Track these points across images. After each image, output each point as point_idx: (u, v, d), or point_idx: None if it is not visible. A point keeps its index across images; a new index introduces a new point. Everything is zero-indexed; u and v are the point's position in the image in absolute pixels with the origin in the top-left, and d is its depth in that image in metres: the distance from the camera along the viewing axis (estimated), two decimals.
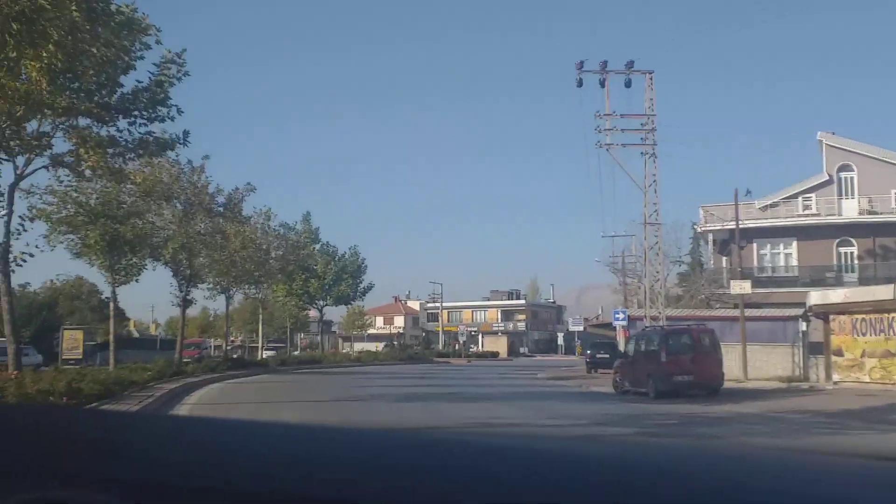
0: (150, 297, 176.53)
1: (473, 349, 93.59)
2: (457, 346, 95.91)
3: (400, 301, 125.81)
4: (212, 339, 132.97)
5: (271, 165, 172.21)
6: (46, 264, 60.81)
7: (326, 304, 58.42)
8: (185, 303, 33.91)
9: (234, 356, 50.41)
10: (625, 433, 14.41)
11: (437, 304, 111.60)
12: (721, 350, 25.29)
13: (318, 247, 57.41)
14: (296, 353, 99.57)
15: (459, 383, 32.23)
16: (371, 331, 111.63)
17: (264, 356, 54.38)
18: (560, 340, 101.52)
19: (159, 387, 24.02)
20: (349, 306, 64.03)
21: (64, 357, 59.40)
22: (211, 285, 42.03)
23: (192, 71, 19.03)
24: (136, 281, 29.39)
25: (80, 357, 59.49)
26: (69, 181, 24.35)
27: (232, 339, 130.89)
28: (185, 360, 36.97)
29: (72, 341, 60.59)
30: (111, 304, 28.53)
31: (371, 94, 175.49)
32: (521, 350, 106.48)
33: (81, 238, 25.81)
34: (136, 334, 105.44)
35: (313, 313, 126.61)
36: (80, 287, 79.77)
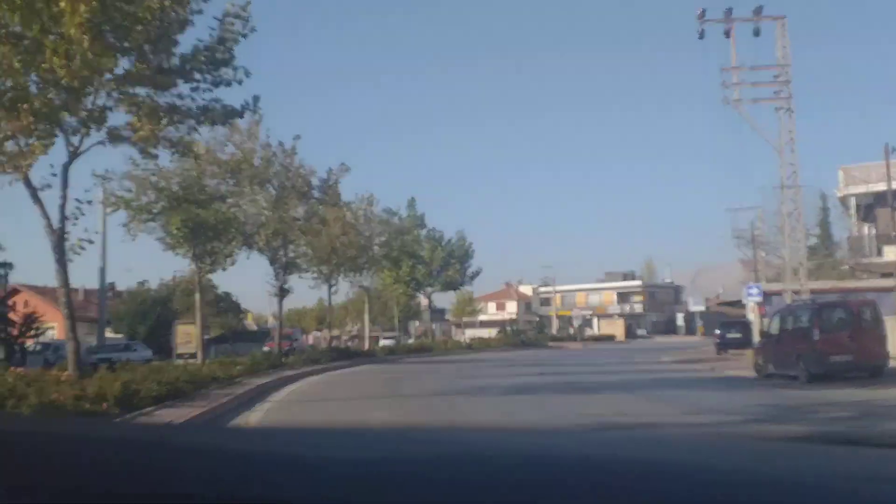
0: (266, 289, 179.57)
1: (589, 333, 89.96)
2: (571, 331, 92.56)
3: (511, 286, 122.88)
4: (327, 331, 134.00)
5: (368, 148, 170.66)
6: (156, 260, 60.59)
7: (434, 291, 56.15)
8: (282, 292, 31.96)
9: (342, 347, 48.65)
10: (795, 431, 11.16)
11: (550, 289, 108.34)
12: (884, 325, 21.41)
13: (423, 232, 55.20)
14: (410, 341, 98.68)
15: (576, 370, 29.20)
16: (483, 317, 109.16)
17: (379, 345, 52.64)
18: (680, 321, 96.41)
19: (247, 382, 21.98)
20: (457, 292, 61.66)
21: (178, 352, 59.50)
22: (315, 274, 40.32)
23: (260, 28, 16.72)
24: (224, 269, 27.59)
25: (194, 352, 59.39)
26: (144, 165, 22.65)
27: (348, 329, 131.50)
28: (285, 352, 35.27)
29: (185, 336, 60.21)
30: (196, 297, 26.76)
31: (467, 50, 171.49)
32: (639, 332, 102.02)
33: (163, 226, 24.00)
34: (254, 327, 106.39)
35: (424, 300, 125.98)
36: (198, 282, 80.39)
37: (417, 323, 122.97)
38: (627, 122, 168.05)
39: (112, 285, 73.62)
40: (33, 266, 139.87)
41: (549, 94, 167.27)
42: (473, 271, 57.28)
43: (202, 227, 23.74)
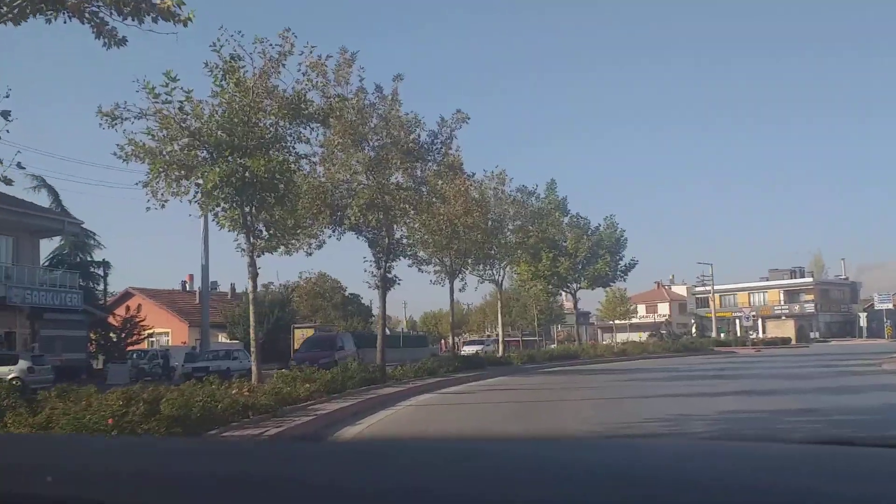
0: (404, 292, 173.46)
1: (753, 336, 78.52)
2: (738, 333, 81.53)
3: (663, 286, 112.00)
4: (464, 336, 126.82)
5: (510, 124, 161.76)
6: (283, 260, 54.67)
7: (580, 287, 47.42)
8: (385, 282, 24.22)
9: (470, 354, 40.81)
10: None
11: (708, 288, 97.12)
12: None
13: (566, 220, 46.69)
14: (552, 346, 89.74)
15: (785, 387, 20.24)
16: (632, 320, 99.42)
17: (511, 353, 44.60)
18: (862, 321, 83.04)
19: (309, 410, 14.49)
20: (607, 290, 52.76)
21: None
22: (436, 266, 32.80)
23: None
24: (286, 250, 20.08)
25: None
26: (166, 94, 15.46)
27: (487, 334, 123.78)
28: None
29: (302, 341, 54.45)
30: (249, 287, 19.12)
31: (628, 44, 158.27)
32: (812, 335, 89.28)
33: (199, 183, 16.68)
34: (387, 331, 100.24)
35: (567, 303, 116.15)
36: (323, 284, 74.88)
37: (559, 327, 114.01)
38: (793, 103, 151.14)
39: (232, 287, 69.02)
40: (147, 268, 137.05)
41: (712, 83, 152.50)
42: (626, 264, 48.11)
43: (251, 183, 16.29)
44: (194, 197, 16.80)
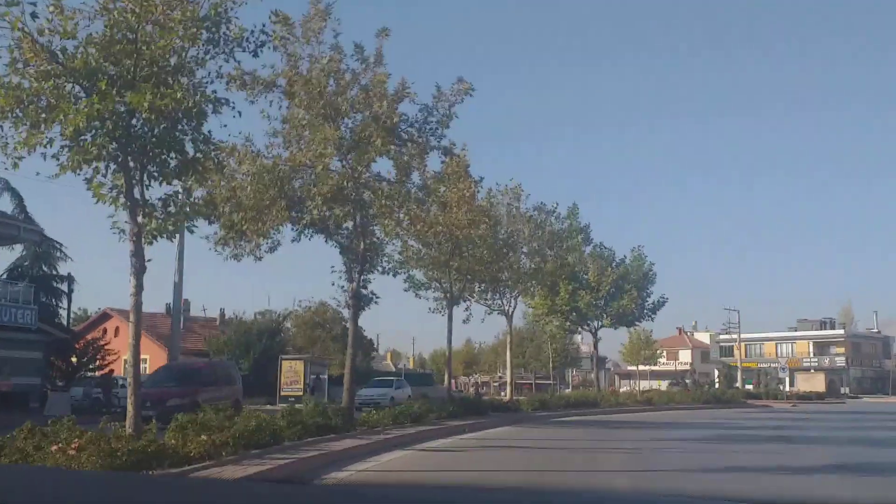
0: (413, 327, 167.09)
1: (780, 388, 71.79)
2: (766, 385, 74.91)
3: (685, 333, 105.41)
4: (475, 377, 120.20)
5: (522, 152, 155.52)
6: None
7: (602, 325, 41.44)
8: (357, 300, 18.43)
9: (469, 396, 34.87)
10: None
11: (733, 336, 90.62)
12: None
13: (588, 249, 40.92)
14: (566, 391, 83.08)
15: (880, 460, 14.35)
16: (656, 366, 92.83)
17: (520, 396, 38.50)
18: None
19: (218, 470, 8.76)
20: (631, 331, 46.61)
21: (283, 393, 47.44)
22: (437, 293, 27.23)
23: None
24: (235, 254, 14.51)
25: (301, 393, 47.21)
26: None
27: (499, 375, 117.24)
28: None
29: (292, 374, 48.52)
30: (134, 286, 13.30)
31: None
32: (843, 390, 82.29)
33: (66, 134, 11.04)
34: (392, 367, 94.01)
35: (584, 346, 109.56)
36: (324, 314, 69.14)
37: (574, 371, 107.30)
38: (826, 162, 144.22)
39: (221, 312, 63.36)
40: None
41: (743, 135, 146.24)
42: (654, 302, 42.05)
43: (139, 135, 10.74)
44: (60, 150, 11.20)
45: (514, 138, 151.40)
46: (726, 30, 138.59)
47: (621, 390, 55.42)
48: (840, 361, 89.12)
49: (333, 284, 19.11)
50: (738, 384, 75.45)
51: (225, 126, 14.90)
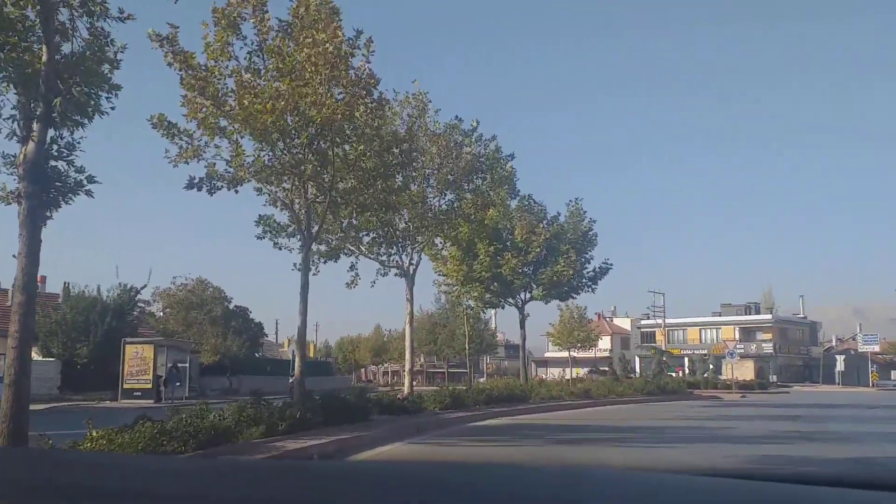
0: (318, 312, 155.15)
1: (705, 376, 64.28)
2: (694, 373, 67.28)
3: (604, 318, 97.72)
4: (384, 366, 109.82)
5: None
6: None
7: (532, 297, 31.85)
8: (40, 180, 8.29)
9: (350, 394, 24.61)
10: None
11: (657, 322, 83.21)
12: None
13: (514, 203, 31.45)
14: (481, 380, 73.47)
15: None
16: (554, 354, 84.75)
17: (424, 390, 28.46)
18: (839, 365, 69.08)
19: None
20: (563, 307, 37.53)
21: (126, 386, 36.42)
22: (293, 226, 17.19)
23: None
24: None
25: (149, 385, 36.29)
26: None
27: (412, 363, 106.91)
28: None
29: (138, 361, 37.44)
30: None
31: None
32: (771, 378, 75.58)
33: None
34: (289, 356, 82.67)
35: (500, 334, 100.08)
36: (202, 292, 57.89)
37: (488, 358, 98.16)
38: (745, 126, 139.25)
39: (65, 287, 51.31)
40: None
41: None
42: (596, 269, 32.64)
43: None
44: None
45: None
46: None
47: (549, 378, 46.10)
48: (767, 348, 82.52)
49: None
50: (684, 372, 68.01)
51: None
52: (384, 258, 22.29)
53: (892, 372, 71.25)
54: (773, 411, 27.55)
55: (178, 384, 37.15)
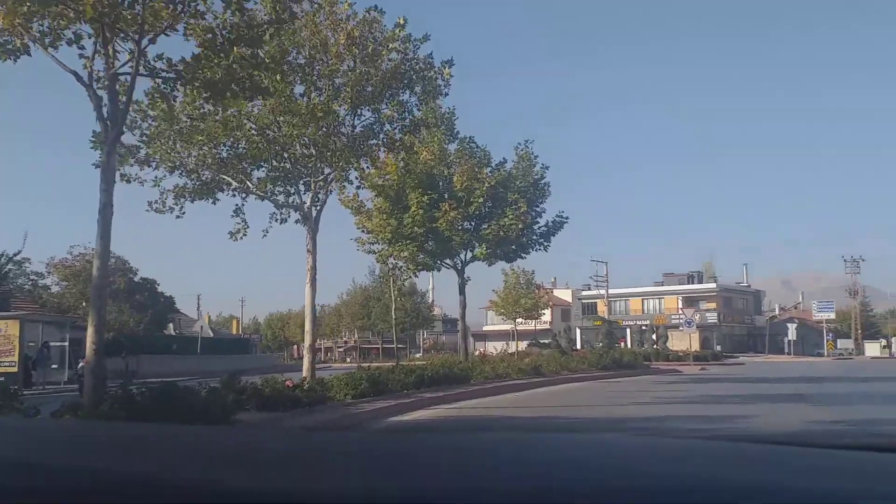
0: (247, 287, 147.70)
1: (655, 347, 60.26)
2: (642, 345, 63.14)
3: (544, 289, 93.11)
4: (318, 342, 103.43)
5: None
6: None
7: (474, 257, 26.07)
8: None
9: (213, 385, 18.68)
10: None
11: (598, 292, 78.99)
12: None
13: (453, 147, 25.85)
14: (418, 355, 67.96)
15: None
16: (494, 326, 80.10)
17: (344, 367, 22.35)
18: (792, 334, 65.55)
19: None
20: (511, 270, 32.04)
21: None
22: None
23: None
24: None
25: (14, 368, 29.89)
26: None
27: (345, 340, 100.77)
28: None
29: (1, 340, 31.02)
30: None
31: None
32: (716, 348, 72.14)
33: None
34: (209, 333, 75.59)
35: (437, 308, 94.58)
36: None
37: (425, 333, 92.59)
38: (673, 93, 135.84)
39: None
40: None
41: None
42: (549, 223, 27.11)
43: None
44: None
45: None
46: None
47: (493, 353, 40.83)
48: (712, 317, 79.04)
49: None
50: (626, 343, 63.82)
51: None
52: (280, 198, 16.45)
53: (839, 341, 68.35)
54: (761, 387, 22.70)
55: (54, 366, 30.91)
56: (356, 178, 17.68)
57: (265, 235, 16.79)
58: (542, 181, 26.77)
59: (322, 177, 15.66)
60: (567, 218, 26.93)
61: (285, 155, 15.37)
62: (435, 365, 23.06)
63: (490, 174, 25.70)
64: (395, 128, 16.01)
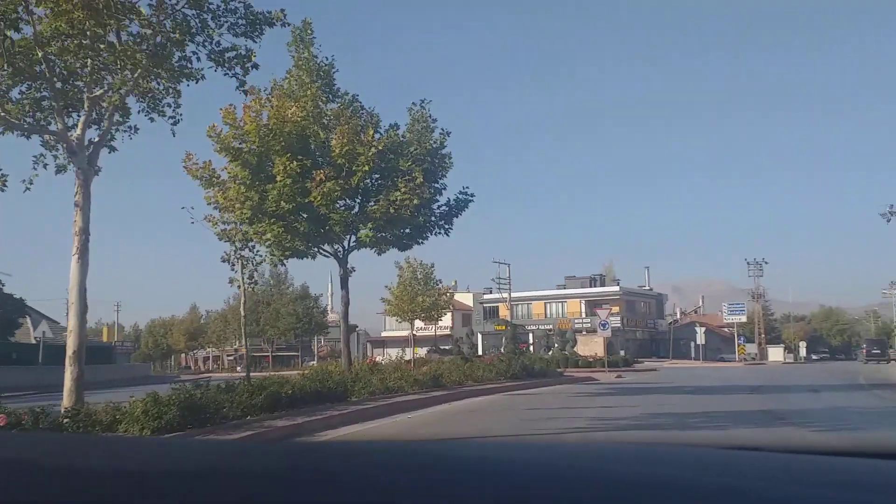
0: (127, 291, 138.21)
1: (564, 353, 56.40)
2: (564, 350, 59.14)
3: (445, 286, 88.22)
4: (206, 350, 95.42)
5: None
6: None
7: (358, 242, 20.56)
8: None
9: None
10: None
11: (501, 296, 74.65)
12: None
13: (333, 106, 20.47)
14: (311, 363, 61.74)
15: None
16: (393, 332, 74.85)
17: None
18: (701, 339, 62.54)
19: None
20: (406, 262, 26.80)
21: None
22: None
23: None
24: None
25: None
26: None
27: (236, 347, 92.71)
28: None
29: None
30: None
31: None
32: (620, 353, 68.98)
33: None
34: (57, 341, 66.84)
35: (333, 314, 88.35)
36: None
37: (322, 340, 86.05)
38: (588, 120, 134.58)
39: None
40: None
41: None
42: (451, 200, 21.78)
43: None
44: None
45: None
46: None
47: (382, 359, 35.35)
48: (615, 322, 75.84)
49: None
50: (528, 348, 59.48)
51: None
52: (45, 124, 10.68)
53: (747, 345, 66.21)
54: (709, 401, 18.19)
55: None
56: (170, 101, 11.66)
57: (27, 189, 10.87)
58: (442, 149, 21.60)
59: (102, 90, 10.00)
60: (473, 196, 21.83)
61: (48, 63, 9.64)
62: (305, 377, 17.54)
63: (378, 139, 20.32)
64: (223, 25, 10.45)
